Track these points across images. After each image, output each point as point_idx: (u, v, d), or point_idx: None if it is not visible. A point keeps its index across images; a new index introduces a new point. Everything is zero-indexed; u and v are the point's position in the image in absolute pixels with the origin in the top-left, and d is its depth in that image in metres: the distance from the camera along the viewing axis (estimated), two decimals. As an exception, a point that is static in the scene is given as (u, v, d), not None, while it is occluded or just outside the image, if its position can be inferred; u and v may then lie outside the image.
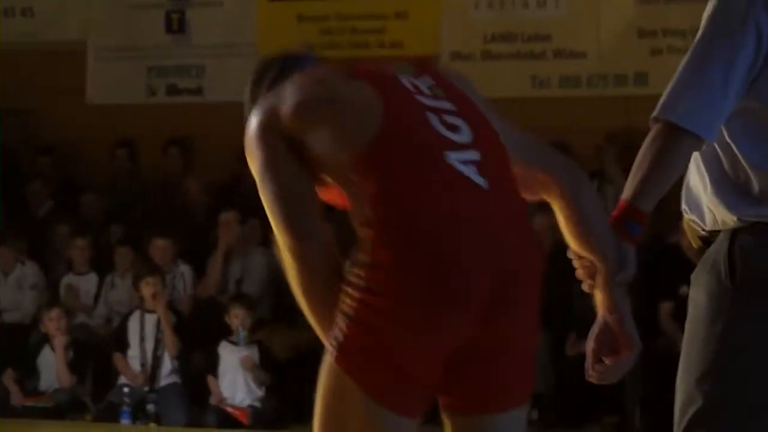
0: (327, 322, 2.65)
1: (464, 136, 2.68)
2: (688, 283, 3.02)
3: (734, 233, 2.89)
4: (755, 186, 2.85)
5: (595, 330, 2.79)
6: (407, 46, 11.82)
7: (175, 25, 12.13)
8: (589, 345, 2.82)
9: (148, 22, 12.20)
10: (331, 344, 2.57)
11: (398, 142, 2.62)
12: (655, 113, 2.81)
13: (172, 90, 12.05)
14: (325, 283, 2.64)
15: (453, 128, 2.69)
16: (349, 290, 2.54)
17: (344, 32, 12.08)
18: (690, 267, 3.10)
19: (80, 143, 12.24)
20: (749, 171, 2.85)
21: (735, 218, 2.87)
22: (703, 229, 2.96)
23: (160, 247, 10.29)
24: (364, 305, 2.54)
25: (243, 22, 11.96)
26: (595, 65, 10.98)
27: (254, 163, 2.67)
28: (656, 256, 8.69)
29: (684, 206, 2.99)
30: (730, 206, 2.87)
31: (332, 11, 12.02)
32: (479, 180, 2.62)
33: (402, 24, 12.17)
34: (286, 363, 10.52)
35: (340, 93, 2.67)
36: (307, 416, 8.62)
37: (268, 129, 2.66)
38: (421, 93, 2.74)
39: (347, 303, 2.54)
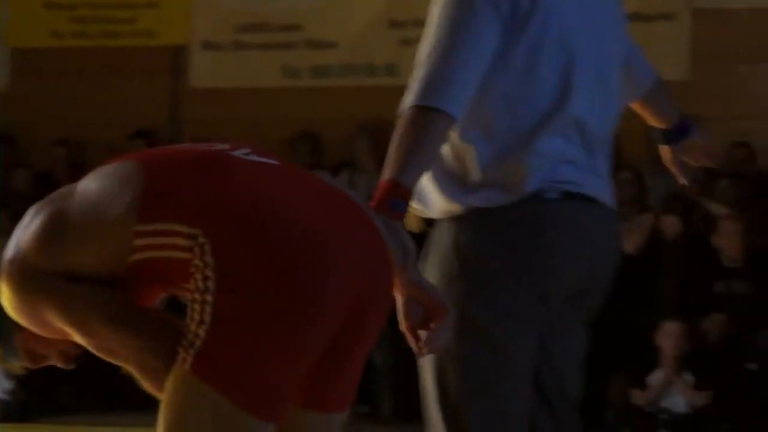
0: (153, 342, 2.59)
1: (246, 150, 2.69)
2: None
3: (457, 221, 2.99)
4: (472, 176, 2.95)
5: (400, 311, 2.76)
6: (158, 36, 11.85)
7: None
8: (403, 326, 2.78)
9: None
10: (186, 352, 2.44)
11: (172, 166, 2.61)
12: (411, 101, 2.87)
13: None
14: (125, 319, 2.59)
15: (235, 148, 2.68)
16: (200, 298, 2.44)
17: (95, 21, 11.90)
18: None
19: None
20: (469, 163, 2.95)
21: (456, 206, 2.96)
22: (429, 217, 3.06)
23: None
24: (220, 308, 2.43)
25: (-9, 10, 11.33)
26: (345, 56, 11.14)
27: (57, 317, 2.54)
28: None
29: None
30: (452, 196, 2.96)
31: (83, 0, 11.83)
32: (268, 160, 2.66)
33: (153, 13, 12.07)
34: None
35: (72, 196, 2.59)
36: (57, 409, 8.40)
37: (38, 280, 2.52)
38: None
39: (200, 310, 2.44)
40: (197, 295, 2.41)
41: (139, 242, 2.45)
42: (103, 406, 10.16)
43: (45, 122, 11.52)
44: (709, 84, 11.02)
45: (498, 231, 2.97)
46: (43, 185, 10.75)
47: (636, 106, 3.49)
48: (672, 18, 11.06)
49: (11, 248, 2.54)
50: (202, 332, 2.38)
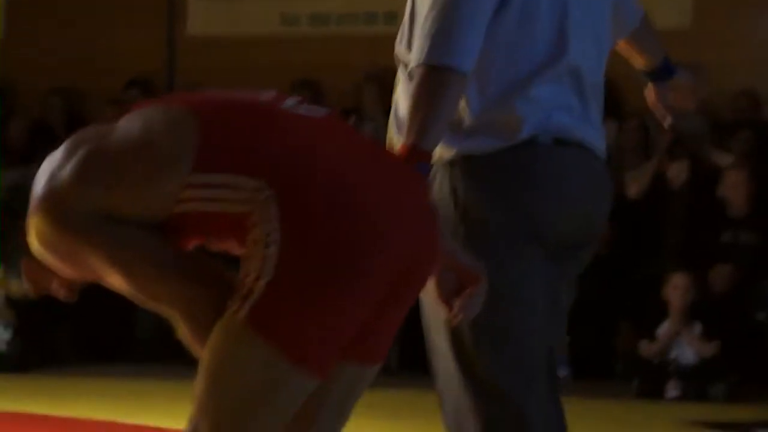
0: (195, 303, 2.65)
1: (294, 100, 2.75)
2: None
3: (451, 166, 3.03)
4: (467, 122, 3.00)
5: (433, 282, 2.79)
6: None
7: None
8: (436, 294, 2.83)
9: None
10: (240, 303, 2.50)
11: (225, 115, 2.64)
12: (421, 59, 2.91)
13: None
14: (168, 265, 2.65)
15: (281, 99, 2.73)
16: (271, 248, 2.50)
17: (90, -31, 12.23)
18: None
19: None
20: (464, 109, 2.99)
21: (451, 151, 3.01)
22: None
23: None
24: (283, 262, 2.49)
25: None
26: (344, 4, 11.07)
27: (91, 243, 2.58)
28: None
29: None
30: (447, 141, 2.97)
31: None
32: (316, 113, 2.71)
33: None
34: (32, 304, 9.69)
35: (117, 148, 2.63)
36: (54, 359, 8.37)
37: (81, 219, 2.56)
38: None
39: (260, 263, 2.51)
40: (258, 248, 2.45)
41: (189, 193, 2.46)
42: (100, 356, 10.24)
43: (41, 71, 11.46)
44: (711, 31, 10.94)
45: (491, 176, 2.99)
46: (38, 135, 10.92)
47: (622, 45, 3.45)
48: (673, -35, 10.96)
49: (45, 184, 2.53)
50: (260, 285, 2.43)
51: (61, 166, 2.55)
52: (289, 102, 2.67)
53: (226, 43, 11.13)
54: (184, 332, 2.60)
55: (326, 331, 2.51)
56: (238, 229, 2.50)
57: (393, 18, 10.18)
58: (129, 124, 2.59)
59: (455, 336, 3.01)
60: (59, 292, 2.74)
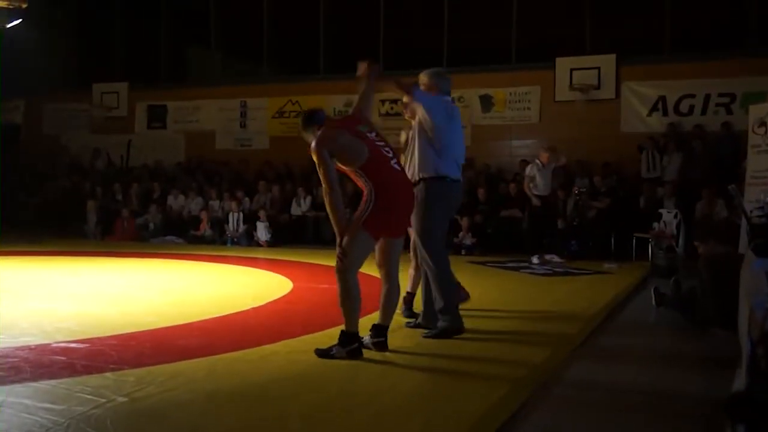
0: (343, 222, 5.06)
1: (391, 154, 5.19)
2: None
3: (423, 180, 6.13)
4: (430, 168, 6.11)
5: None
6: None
7: None
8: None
9: None
10: (361, 219, 4.89)
11: (375, 160, 5.00)
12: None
13: None
14: (339, 206, 4.91)
15: (388, 152, 5.19)
16: (370, 203, 5.02)
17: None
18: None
19: None
20: (432, 164, 6.08)
21: (425, 174, 6.10)
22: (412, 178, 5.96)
23: None
24: (375, 206, 4.91)
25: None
26: None
27: (321, 165, 4.86)
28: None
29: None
30: (423, 170, 6.04)
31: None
32: (400, 169, 5.17)
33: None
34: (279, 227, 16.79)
35: (348, 142, 5.01)
36: (278, 244, 17.91)
37: (323, 150, 4.87)
38: (376, 139, 5.22)
39: (369, 206, 4.94)
40: (366, 200, 5.02)
41: (354, 170, 5.04)
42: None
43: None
44: (478, 148, 17.07)
45: (433, 184, 6.03)
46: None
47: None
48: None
49: (315, 142, 4.99)
50: (366, 212, 4.98)
51: (318, 137, 4.96)
52: (386, 148, 5.19)
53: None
54: (335, 229, 5.06)
55: (383, 227, 5.09)
56: (361, 186, 5.07)
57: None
58: (345, 138, 4.97)
59: (420, 235, 6.15)
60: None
